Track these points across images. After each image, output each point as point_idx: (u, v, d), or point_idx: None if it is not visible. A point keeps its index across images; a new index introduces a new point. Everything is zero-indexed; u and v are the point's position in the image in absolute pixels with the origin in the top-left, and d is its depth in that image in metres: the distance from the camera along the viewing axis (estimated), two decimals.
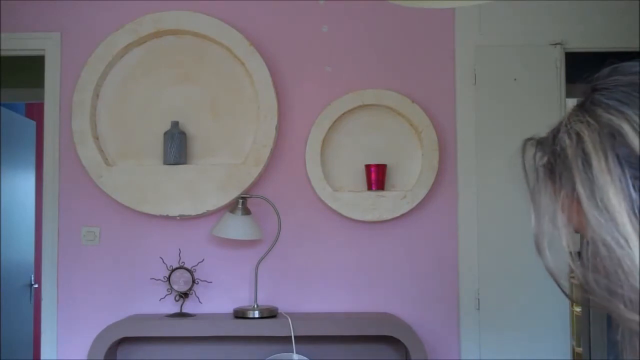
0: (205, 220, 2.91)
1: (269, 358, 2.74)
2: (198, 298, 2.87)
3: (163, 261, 2.87)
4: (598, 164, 0.69)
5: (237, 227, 2.73)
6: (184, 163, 2.84)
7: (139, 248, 2.91)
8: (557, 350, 2.83)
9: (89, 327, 2.87)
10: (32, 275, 4.62)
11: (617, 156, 0.68)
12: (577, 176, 0.71)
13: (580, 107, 0.75)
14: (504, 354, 2.82)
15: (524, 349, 2.82)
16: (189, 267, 2.81)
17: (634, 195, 0.67)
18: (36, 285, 4.57)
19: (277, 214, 2.80)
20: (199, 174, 2.83)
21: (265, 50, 2.95)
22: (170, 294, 2.81)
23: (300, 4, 2.99)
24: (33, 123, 4.78)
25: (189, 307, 2.86)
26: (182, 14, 2.89)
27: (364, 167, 2.88)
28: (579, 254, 0.73)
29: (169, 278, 2.78)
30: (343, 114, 2.90)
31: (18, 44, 2.98)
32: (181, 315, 2.76)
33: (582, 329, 3.90)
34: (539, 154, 0.78)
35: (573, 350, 3.39)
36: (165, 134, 2.83)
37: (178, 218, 2.86)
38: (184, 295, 2.79)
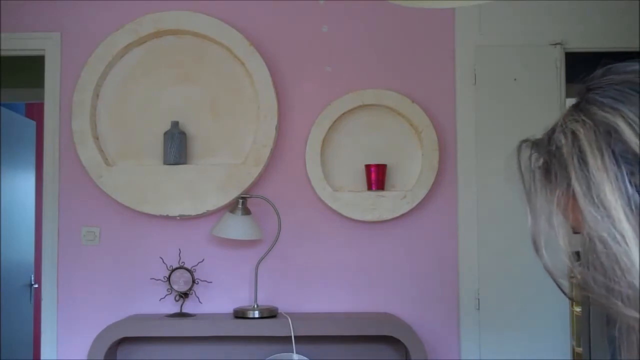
0: (205, 220, 2.91)
1: (269, 358, 2.74)
2: (198, 298, 2.87)
3: (163, 261, 2.87)
4: (594, 161, 0.69)
5: (237, 227, 2.73)
6: (184, 163, 2.84)
7: (139, 248, 2.92)
8: (557, 350, 2.83)
9: (89, 327, 2.87)
10: (32, 275, 4.62)
11: (613, 153, 0.68)
12: (573, 174, 0.71)
13: (575, 107, 0.76)
14: (504, 354, 2.82)
15: (524, 349, 2.82)
16: (189, 267, 2.81)
17: (631, 191, 0.67)
18: (36, 285, 4.57)
19: (277, 214, 2.80)
20: (199, 174, 2.83)
21: (265, 50, 2.95)
22: (170, 294, 2.81)
23: (300, 4, 2.99)
24: (33, 123, 4.78)
25: (189, 307, 2.87)
26: (182, 14, 2.89)
27: (364, 167, 2.88)
28: (577, 253, 0.73)
29: (169, 278, 2.78)
30: (343, 114, 2.90)
31: (18, 44, 2.98)
32: (181, 315, 2.76)
33: (582, 329, 3.89)
34: (534, 156, 0.78)
35: (573, 350, 3.38)
36: (165, 134, 2.83)
37: (178, 218, 2.86)
38: (184, 295, 2.79)
